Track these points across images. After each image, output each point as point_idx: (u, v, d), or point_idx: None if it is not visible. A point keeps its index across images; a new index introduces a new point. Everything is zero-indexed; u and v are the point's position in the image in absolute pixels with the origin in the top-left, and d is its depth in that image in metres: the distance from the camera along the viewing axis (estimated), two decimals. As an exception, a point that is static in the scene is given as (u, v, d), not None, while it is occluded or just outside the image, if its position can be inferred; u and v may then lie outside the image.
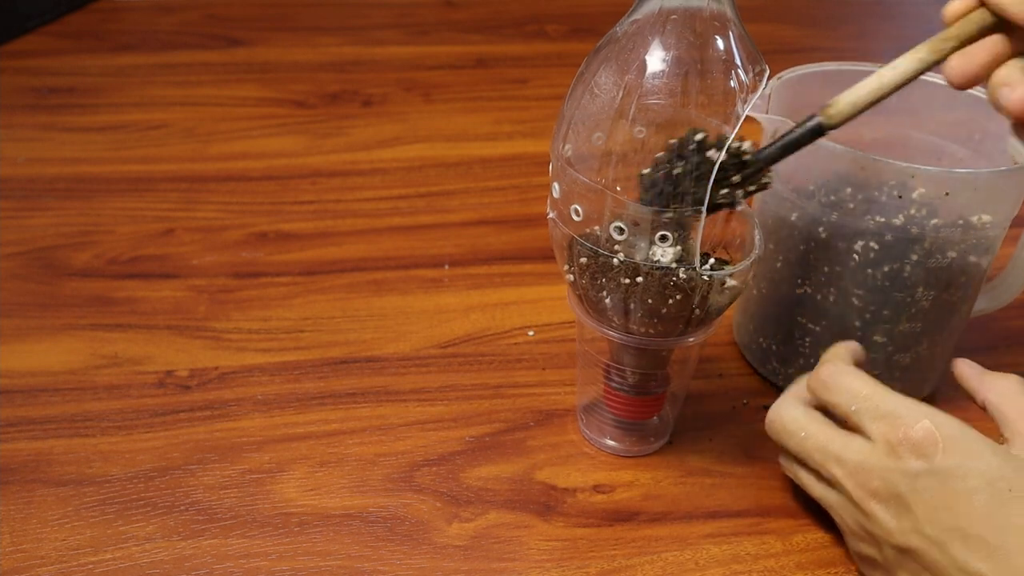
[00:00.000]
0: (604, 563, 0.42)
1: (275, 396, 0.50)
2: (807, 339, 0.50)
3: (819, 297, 0.48)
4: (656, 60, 0.38)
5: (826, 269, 0.47)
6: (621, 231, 0.39)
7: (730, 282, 0.40)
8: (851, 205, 0.46)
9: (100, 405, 0.49)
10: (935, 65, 0.37)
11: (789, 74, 0.50)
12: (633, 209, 0.39)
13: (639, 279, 0.39)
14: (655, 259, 0.39)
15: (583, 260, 0.40)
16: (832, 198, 0.46)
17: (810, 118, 0.38)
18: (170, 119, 0.78)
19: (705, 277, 0.39)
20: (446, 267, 0.62)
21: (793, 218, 0.48)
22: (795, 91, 0.50)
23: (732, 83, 0.38)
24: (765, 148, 0.39)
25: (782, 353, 0.52)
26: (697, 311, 0.40)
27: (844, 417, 0.41)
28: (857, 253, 0.46)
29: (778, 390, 0.53)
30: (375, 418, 0.49)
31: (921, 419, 0.37)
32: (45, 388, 0.50)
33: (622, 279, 0.39)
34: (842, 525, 0.41)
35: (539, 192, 0.71)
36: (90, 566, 0.40)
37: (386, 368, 0.53)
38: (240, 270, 0.60)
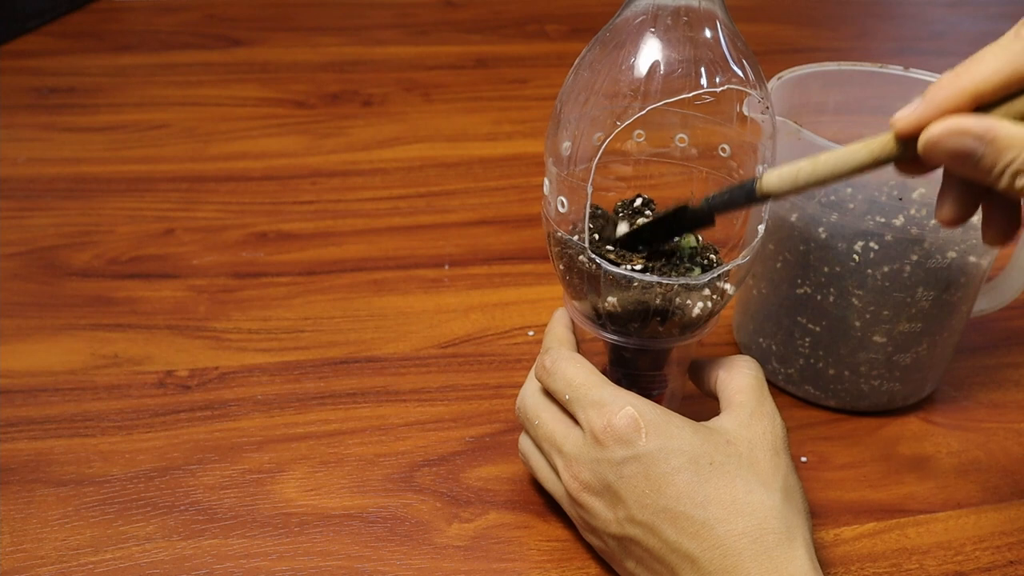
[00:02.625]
0: (604, 563, 0.42)
1: (275, 396, 0.50)
2: (807, 339, 0.50)
3: (819, 297, 0.48)
4: (644, 59, 0.38)
5: (826, 269, 0.47)
6: (592, 229, 0.39)
7: (706, 291, 0.40)
8: (851, 205, 0.46)
9: (100, 405, 0.49)
10: (872, 167, 0.33)
11: (789, 74, 0.50)
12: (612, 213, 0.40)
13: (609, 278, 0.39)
14: (624, 258, 0.39)
15: (565, 259, 0.41)
16: (832, 198, 0.46)
17: (749, 180, 0.36)
18: (170, 119, 0.78)
19: (674, 284, 0.39)
20: (446, 267, 0.62)
21: (793, 218, 0.48)
22: (795, 91, 0.50)
23: (719, 81, 0.38)
24: (713, 197, 0.37)
25: (782, 353, 0.52)
26: (673, 316, 0.40)
27: (563, 405, 0.40)
28: (857, 253, 0.46)
29: (778, 390, 0.53)
30: (375, 418, 0.49)
31: (625, 406, 0.38)
32: (45, 388, 0.50)
33: (594, 276, 0.39)
34: (572, 518, 0.42)
35: (539, 192, 0.71)
36: (90, 566, 0.40)
37: (386, 368, 0.53)
38: (240, 270, 0.60)
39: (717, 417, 0.40)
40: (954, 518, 0.46)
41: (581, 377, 0.40)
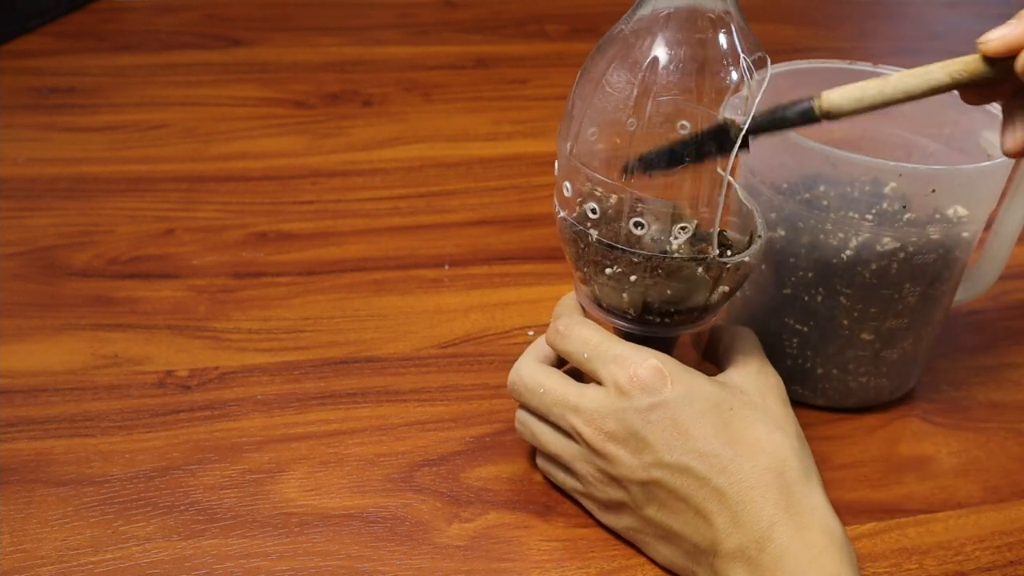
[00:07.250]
0: (604, 563, 0.42)
1: (275, 396, 0.50)
2: (795, 340, 0.50)
3: (806, 298, 0.48)
4: (663, 56, 0.39)
5: (812, 270, 0.47)
6: (640, 225, 0.40)
7: (740, 262, 0.41)
8: (834, 204, 0.46)
9: (100, 405, 0.49)
10: (946, 89, 0.34)
11: (773, 70, 0.50)
12: (655, 204, 0.40)
13: (659, 270, 0.40)
14: (672, 249, 0.40)
15: (597, 258, 0.41)
16: (807, 195, 0.46)
17: (805, 99, 0.36)
18: (170, 119, 0.78)
19: (722, 262, 0.40)
20: (446, 267, 0.62)
21: (772, 216, 0.48)
22: (782, 89, 0.50)
23: (735, 77, 0.38)
24: (757, 117, 0.37)
25: (768, 355, 0.51)
26: (713, 296, 0.42)
27: (579, 365, 0.42)
28: (843, 252, 0.46)
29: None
30: (375, 418, 0.49)
31: (648, 358, 0.40)
32: (45, 388, 0.50)
33: (642, 273, 0.40)
34: (584, 476, 0.42)
35: (539, 192, 0.71)
36: (90, 566, 0.40)
37: (386, 368, 0.53)
38: (240, 270, 0.60)
39: (724, 373, 0.43)
40: (954, 518, 0.46)
41: (598, 337, 0.42)
